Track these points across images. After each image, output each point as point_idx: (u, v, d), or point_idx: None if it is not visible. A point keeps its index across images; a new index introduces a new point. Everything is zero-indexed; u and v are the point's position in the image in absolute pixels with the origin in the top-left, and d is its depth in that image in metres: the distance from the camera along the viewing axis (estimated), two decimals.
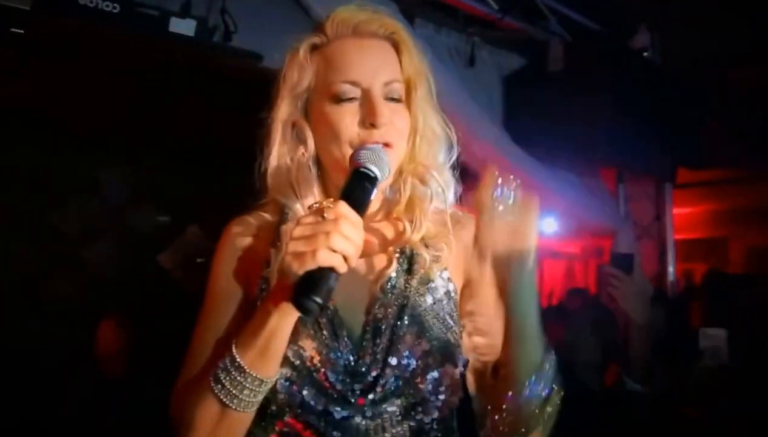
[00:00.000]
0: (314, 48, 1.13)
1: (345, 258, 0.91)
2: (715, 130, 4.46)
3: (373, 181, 1.01)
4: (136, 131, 3.43)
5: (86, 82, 3.14)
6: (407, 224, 1.15)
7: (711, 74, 4.41)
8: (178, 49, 2.67)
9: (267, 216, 1.20)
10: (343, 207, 0.93)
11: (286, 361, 1.04)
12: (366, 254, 1.13)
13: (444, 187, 1.16)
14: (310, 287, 0.88)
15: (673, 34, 4.31)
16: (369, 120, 1.07)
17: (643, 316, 2.42)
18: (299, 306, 0.89)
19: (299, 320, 1.03)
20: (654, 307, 2.69)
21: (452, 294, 1.16)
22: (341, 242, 0.90)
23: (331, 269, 0.90)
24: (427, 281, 1.14)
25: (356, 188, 1.00)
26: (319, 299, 0.88)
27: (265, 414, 1.08)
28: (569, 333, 2.98)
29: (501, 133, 3.54)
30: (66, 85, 3.18)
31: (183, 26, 2.65)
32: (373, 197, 1.03)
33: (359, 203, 0.97)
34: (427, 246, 1.16)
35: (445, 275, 1.16)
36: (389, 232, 1.19)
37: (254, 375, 0.99)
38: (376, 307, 1.10)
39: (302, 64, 1.12)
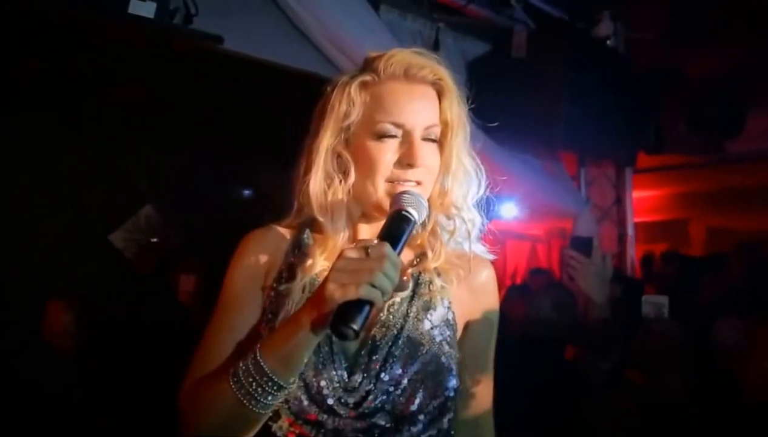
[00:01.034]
0: (364, 85, 1.19)
1: (382, 294, 0.98)
2: (673, 116, 4.58)
3: (411, 224, 1.09)
4: (91, 109, 3.36)
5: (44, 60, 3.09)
6: (429, 252, 1.23)
7: (670, 62, 4.52)
8: (138, 31, 2.63)
9: (283, 231, 1.28)
10: (388, 248, 1.00)
11: None
12: None
13: (469, 225, 1.23)
14: (349, 316, 0.96)
15: (635, 24, 4.40)
16: (407, 160, 1.15)
17: (602, 296, 2.52)
18: (337, 331, 0.97)
19: None
20: (613, 286, 2.79)
21: (451, 322, 1.24)
22: (383, 279, 0.97)
23: (369, 302, 0.97)
24: (428, 307, 1.22)
25: (396, 229, 1.08)
26: (356, 327, 0.96)
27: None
28: (531, 311, 3.06)
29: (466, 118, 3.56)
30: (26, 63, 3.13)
31: (143, 8, 2.61)
32: (408, 237, 1.09)
33: (397, 243, 1.05)
34: (438, 275, 1.24)
35: (446, 303, 1.24)
36: (406, 257, 1.25)
37: (275, 379, 1.04)
38: (377, 327, 1.17)
39: (352, 99, 1.18)
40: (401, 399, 1.14)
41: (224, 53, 2.77)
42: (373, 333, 1.17)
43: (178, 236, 3.61)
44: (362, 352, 1.16)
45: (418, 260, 1.25)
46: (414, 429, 1.15)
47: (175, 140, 3.72)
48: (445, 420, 1.20)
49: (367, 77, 1.19)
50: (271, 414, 1.13)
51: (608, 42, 4.19)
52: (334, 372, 1.14)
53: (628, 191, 5.03)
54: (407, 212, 1.09)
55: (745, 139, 4.65)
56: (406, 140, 1.16)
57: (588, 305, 2.63)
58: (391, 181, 1.16)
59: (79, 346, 2.91)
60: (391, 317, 1.18)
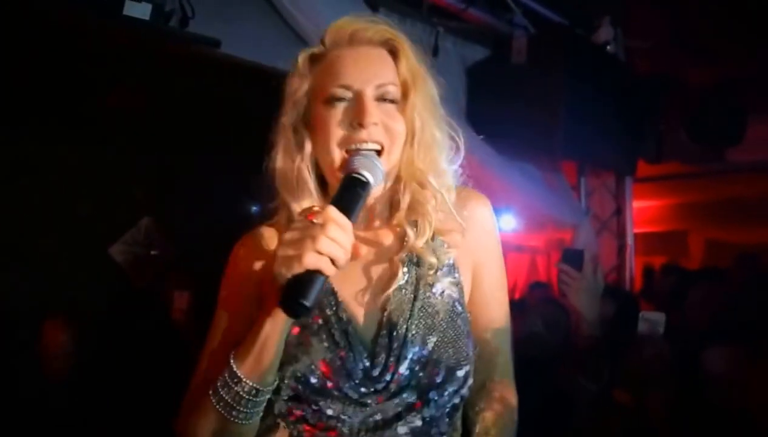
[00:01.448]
0: (314, 58, 1.19)
1: (334, 261, 0.93)
2: (674, 125, 4.55)
3: (365, 186, 1.05)
4: (86, 115, 3.31)
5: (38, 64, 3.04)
6: (409, 231, 1.17)
7: (670, 70, 4.50)
8: (132, 33, 2.59)
9: (273, 231, 1.24)
10: (332, 211, 0.96)
11: (300, 379, 1.09)
12: (373, 259, 1.19)
13: (443, 192, 1.18)
14: (297, 291, 0.91)
15: (635, 32, 4.38)
16: (357, 120, 1.10)
17: (593, 312, 2.45)
18: (287, 310, 0.93)
19: (313, 335, 1.10)
20: (605, 303, 2.73)
21: (458, 279, 1.20)
22: (328, 245, 0.93)
23: (318, 272, 0.92)
24: (434, 272, 1.17)
25: (348, 193, 1.04)
26: (306, 302, 0.90)
27: (281, 422, 1.12)
28: (524, 329, 3.00)
29: (464, 124, 3.55)
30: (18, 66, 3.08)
31: (138, 10, 2.58)
32: (365, 201, 1.06)
33: (350, 208, 1.00)
34: (434, 242, 1.19)
35: (450, 262, 1.20)
36: (391, 237, 1.21)
37: (251, 383, 1.02)
38: (390, 308, 1.14)
39: (302, 72, 1.18)
40: (426, 372, 1.12)
41: (221, 57, 2.74)
42: (387, 313, 1.13)
43: (177, 249, 3.55)
44: (382, 333, 1.13)
45: (407, 240, 1.19)
46: (440, 400, 1.13)
47: (171, 147, 3.67)
48: (468, 385, 1.18)
49: (315, 49, 1.20)
50: (292, 419, 1.11)
51: (608, 48, 4.16)
52: (353, 366, 1.11)
53: (628, 201, 4.99)
54: (359, 174, 1.06)
55: (745, 148, 4.62)
56: (356, 101, 1.12)
57: (579, 322, 2.55)
58: (346, 147, 1.12)
59: (74, 364, 2.85)
60: (402, 292, 1.15)
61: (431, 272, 1.17)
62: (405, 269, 1.16)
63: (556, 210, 4.40)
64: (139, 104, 3.27)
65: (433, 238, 1.19)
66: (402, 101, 1.15)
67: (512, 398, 1.26)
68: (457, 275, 1.20)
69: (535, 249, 5.77)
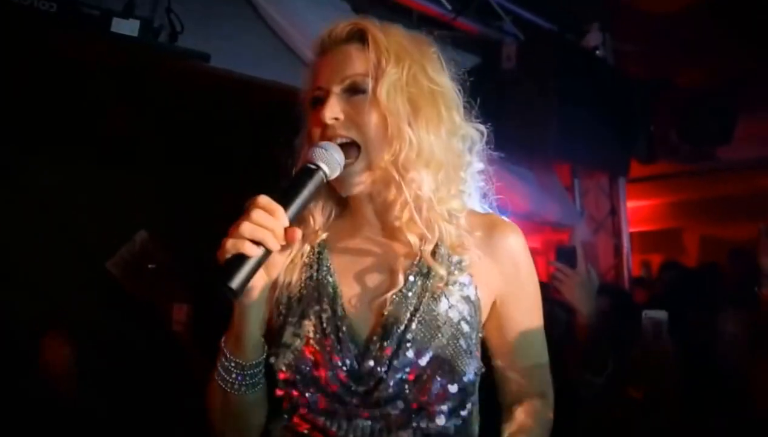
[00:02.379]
0: (309, 71, 1.22)
1: (263, 245, 0.95)
2: (664, 125, 4.57)
3: (313, 173, 1.05)
4: (82, 133, 3.30)
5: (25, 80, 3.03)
6: (411, 238, 1.13)
7: (659, 71, 4.53)
8: (121, 50, 2.59)
9: None
10: (260, 198, 0.98)
11: (290, 366, 1.11)
12: (380, 264, 1.18)
13: (423, 190, 1.12)
14: (223, 274, 0.94)
15: (624, 35, 4.41)
16: (321, 119, 1.11)
17: (589, 307, 2.45)
18: (218, 292, 0.95)
19: (307, 321, 1.12)
20: (601, 299, 2.73)
21: (472, 299, 1.14)
22: (249, 229, 0.95)
23: (243, 256, 0.94)
24: (446, 284, 1.12)
25: (295, 182, 1.05)
26: (229, 285, 0.93)
27: (278, 411, 1.15)
28: None
29: None
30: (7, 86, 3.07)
31: (126, 27, 2.59)
32: (315, 187, 1.05)
33: (290, 194, 1.02)
34: (448, 254, 1.14)
35: (466, 280, 1.14)
36: (400, 245, 1.17)
37: (235, 360, 1.08)
38: (389, 310, 1.11)
39: (303, 90, 1.22)
40: (416, 386, 1.08)
41: (212, 71, 2.74)
42: (385, 317, 1.10)
43: (174, 262, 3.52)
44: (374, 338, 1.09)
45: (419, 254, 1.14)
46: (431, 419, 1.09)
47: (166, 160, 3.65)
48: (467, 409, 1.13)
49: (310, 65, 1.23)
50: (285, 408, 1.14)
51: (597, 52, 4.19)
52: (340, 362, 1.09)
53: (622, 201, 5.01)
54: (312, 163, 1.05)
55: (736, 146, 4.65)
56: (324, 100, 1.14)
57: (577, 318, 2.55)
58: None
59: (74, 380, 2.82)
60: (404, 298, 1.11)
61: (440, 284, 1.12)
62: (411, 278, 1.13)
63: (552, 212, 4.42)
64: (133, 120, 3.26)
65: (449, 255, 1.14)
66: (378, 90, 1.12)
67: (544, 411, 1.24)
68: (473, 293, 1.14)
69: (534, 251, 5.77)
